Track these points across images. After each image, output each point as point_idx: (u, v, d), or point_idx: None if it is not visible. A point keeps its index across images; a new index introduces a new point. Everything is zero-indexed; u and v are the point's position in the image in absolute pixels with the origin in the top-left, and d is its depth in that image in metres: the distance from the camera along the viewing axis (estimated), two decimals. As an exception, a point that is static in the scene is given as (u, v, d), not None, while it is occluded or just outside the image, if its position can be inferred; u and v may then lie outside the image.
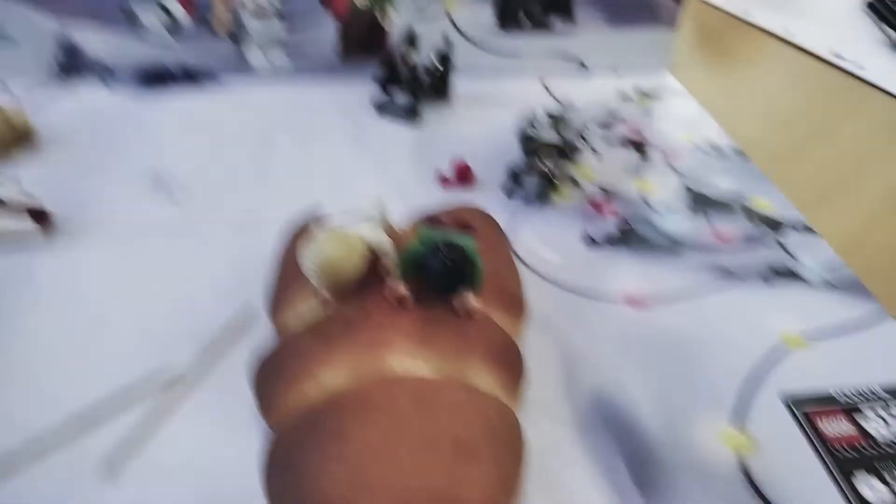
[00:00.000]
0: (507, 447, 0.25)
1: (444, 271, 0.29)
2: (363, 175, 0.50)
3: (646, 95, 0.63)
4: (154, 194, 0.46)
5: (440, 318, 0.29)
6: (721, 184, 0.50)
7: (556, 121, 0.50)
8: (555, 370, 0.34)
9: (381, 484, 0.23)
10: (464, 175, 0.49)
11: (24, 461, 0.29)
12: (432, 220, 0.34)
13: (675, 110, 0.61)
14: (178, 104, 0.57)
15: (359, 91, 0.60)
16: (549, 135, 0.48)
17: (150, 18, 0.57)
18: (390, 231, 0.33)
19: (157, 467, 0.29)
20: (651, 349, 0.36)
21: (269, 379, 0.29)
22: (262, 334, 0.35)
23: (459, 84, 0.59)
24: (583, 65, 0.65)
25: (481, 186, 0.49)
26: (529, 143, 0.48)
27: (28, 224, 0.40)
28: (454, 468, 0.23)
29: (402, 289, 0.30)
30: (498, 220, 0.40)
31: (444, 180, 0.49)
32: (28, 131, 0.49)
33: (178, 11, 0.57)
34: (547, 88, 0.63)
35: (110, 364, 0.34)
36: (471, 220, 0.35)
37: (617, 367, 0.35)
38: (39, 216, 0.41)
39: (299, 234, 0.38)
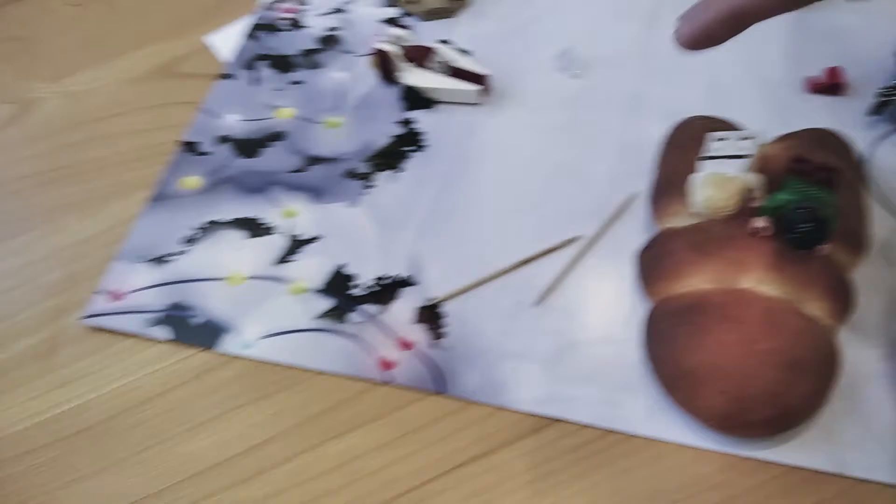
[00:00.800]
0: (828, 369, 0.37)
1: (802, 234, 0.39)
2: (735, 66, 0.56)
3: None
4: (559, 67, 0.58)
5: (789, 252, 0.40)
6: None
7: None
8: (878, 302, 0.43)
9: (731, 374, 0.36)
10: (835, 81, 0.53)
11: (482, 284, 0.47)
12: (800, 164, 0.42)
13: None
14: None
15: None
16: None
17: None
18: (761, 160, 0.43)
19: (568, 303, 0.46)
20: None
21: (650, 269, 0.43)
22: (643, 216, 0.48)
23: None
24: None
25: (851, 96, 0.53)
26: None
27: (474, 87, 0.55)
28: (789, 380, 0.35)
29: (763, 224, 0.40)
30: (858, 142, 0.46)
31: (810, 84, 0.54)
32: (466, -8, 0.63)
33: None
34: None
35: (529, 215, 0.50)
36: (834, 163, 0.42)
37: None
38: (481, 79, 0.56)
39: (681, 133, 0.49)
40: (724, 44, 0.33)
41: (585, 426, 0.41)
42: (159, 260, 0.49)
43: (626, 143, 0.53)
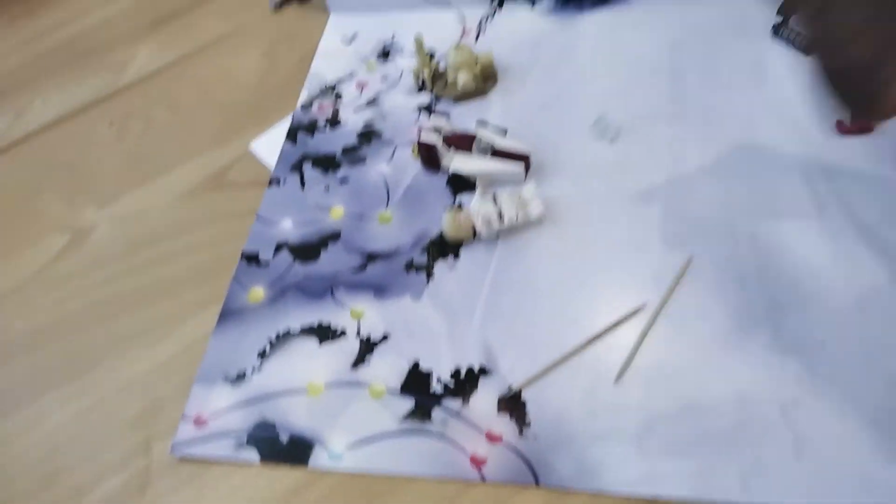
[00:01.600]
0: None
1: None
2: (765, 114, 0.58)
3: None
4: (593, 134, 0.59)
5: None
6: None
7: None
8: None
9: None
10: (863, 122, 0.54)
11: (557, 366, 0.47)
12: None
13: None
14: (588, 21, 0.68)
15: (755, 10, 0.65)
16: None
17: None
18: None
19: (647, 375, 0.46)
20: None
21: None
22: (704, 278, 0.49)
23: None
24: None
25: (880, 135, 0.54)
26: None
27: (519, 167, 0.57)
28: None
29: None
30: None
31: (840, 126, 0.55)
32: (495, 72, 0.64)
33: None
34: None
35: (588, 287, 0.51)
36: None
37: None
38: (523, 158, 0.57)
39: None
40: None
41: (684, 501, 0.41)
42: (238, 378, 0.50)
43: (672, 204, 0.54)
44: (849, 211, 0.51)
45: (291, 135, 0.65)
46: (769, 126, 0.57)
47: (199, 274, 0.57)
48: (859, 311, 0.46)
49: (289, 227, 0.58)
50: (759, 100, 0.59)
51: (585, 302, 0.50)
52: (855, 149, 0.54)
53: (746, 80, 0.60)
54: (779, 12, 0.62)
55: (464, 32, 0.70)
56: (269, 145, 0.65)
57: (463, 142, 0.58)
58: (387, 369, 0.49)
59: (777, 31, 0.62)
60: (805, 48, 0.60)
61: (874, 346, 0.45)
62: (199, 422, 0.48)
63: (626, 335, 0.48)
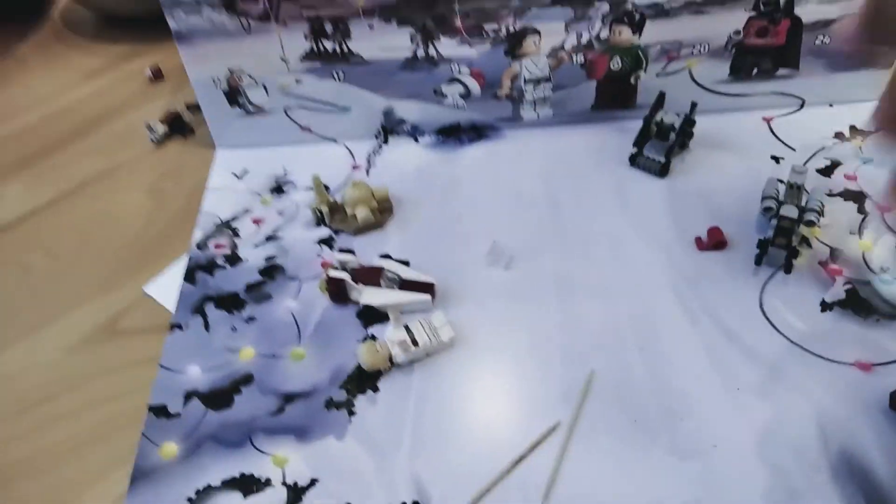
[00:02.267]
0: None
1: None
2: (635, 238, 0.65)
3: (859, 132, 0.73)
4: (490, 262, 0.64)
5: None
6: (930, 243, 0.62)
7: (794, 189, 0.63)
8: (808, 429, 0.51)
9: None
10: (717, 239, 0.63)
11: (486, 494, 0.49)
12: None
13: (887, 154, 0.71)
14: (469, 153, 0.74)
15: (611, 140, 0.74)
16: (789, 210, 0.61)
17: (452, 92, 0.73)
18: None
19: (571, 493, 0.49)
20: (881, 410, 0.51)
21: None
22: (607, 392, 0.54)
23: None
24: (802, 102, 0.76)
25: (733, 248, 0.63)
26: (771, 215, 0.62)
27: (426, 297, 0.60)
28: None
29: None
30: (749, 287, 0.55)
31: (699, 243, 0.64)
32: (391, 204, 0.68)
33: (473, 85, 0.72)
34: (770, 128, 0.74)
35: (505, 408, 0.54)
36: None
37: (854, 426, 0.51)
38: (429, 288, 0.61)
39: None
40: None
41: None
42: (159, 545, 0.47)
43: (567, 324, 0.59)
44: (716, 320, 0.58)
45: (189, 275, 0.64)
46: (638, 247, 0.64)
47: (101, 433, 0.54)
48: (737, 411, 0.53)
49: (196, 374, 0.57)
50: (626, 223, 0.67)
51: (504, 423, 0.53)
52: (713, 261, 0.63)
53: (612, 206, 0.68)
54: (634, 144, 0.71)
55: (355, 167, 0.74)
56: (166, 288, 0.63)
57: (370, 275, 0.60)
58: (319, 516, 0.49)
59: (633, 161, 0.72)
60: (659, 172, 0.70)
61: (755, 442, 0.51)
62: None
63: (547, 454, 0.51)
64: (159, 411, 0.54)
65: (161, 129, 0.78)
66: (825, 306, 0.58)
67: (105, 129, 0.80)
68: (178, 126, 0.79)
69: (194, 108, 0.79)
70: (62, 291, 0.63)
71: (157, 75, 0.88)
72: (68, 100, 0.86)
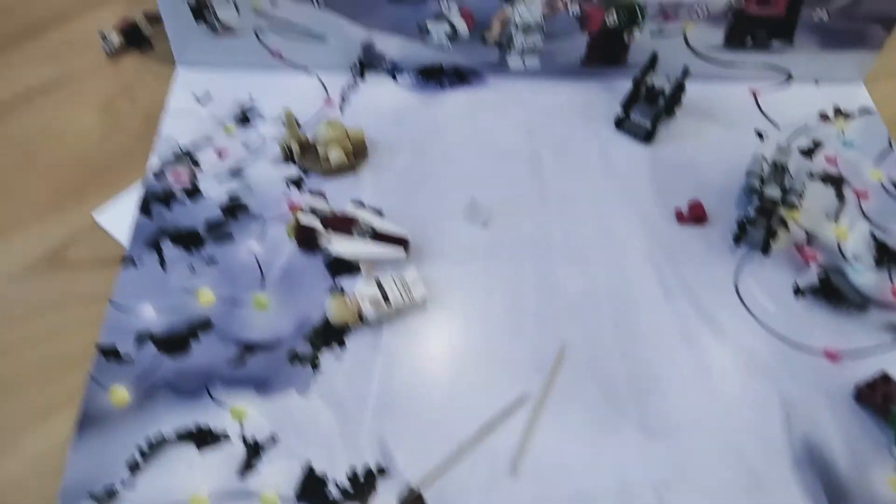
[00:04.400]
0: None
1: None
2: (616, 205, 0.64)
3: (843, 115, 0.72)
4: (467, 218, 0.61)
5: None
6: (902, 234, 0.62)
7: (778, 170, 0.62)
8: (773, 415, 0.51)
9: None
10: (697, 214, 0.62)
11: (453, 462, 0.48)
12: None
13: (867, 138, 0.70)
14: (450, 99, 0.71)
15: (598, 98, 0.71)
16: (772, 190, 0.60)
17: (438, 30, 0.68)
18: None
19: (539, 466, 0.49)
20: (844, 400, 0.52)
21: None
22: (579, 363, 0.53)
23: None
24: (788, 75, 0.74)
25: (713, 224, 0.62)
26: (754, 195, 0.61)
27: (399, 251, 0.57)
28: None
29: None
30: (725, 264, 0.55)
31: (679, 216, 0.63)
32: (365, 147, 0.64)
33: (461, 25, 0.68)
34: (756, 101, 0.73)
35: (475, 374, 0.52)
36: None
37: (818, 415, 0.51)
38: (402, 242, 0.58)
39: None
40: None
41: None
42: (107, 496, 0.45)
43: (542, 289, 0.57)
44: (691, 297, 0.58)
45: (144, 206, 0.59)
46: (619, 215, 0.63)
47: (43, 372, 0.50)
48: (706, 393, 0.53)
49: (150, 315, 0.53)
50: (608, 189, 0.65)
51: (474, 390, 0.52)
52: (692, 236, 0.62)
53: (596, 168, 0.66)
54: (622, 105, 0.69)
55: (328, 101, 0.69)
56: (117, 217, 0.59)
57: (342, 224, 0.57)
58: (278, 475, 0.47)
59: (619, 124, 0.69)
60: (644, 138, 0.68)
61: (720, 426, 0.51)
62: (62, 555, 0.43)
63: (516, 425, 0.50)
64: (109, 353, 0.51)
65: (116, 39, 0.71)
66: (798, 291, 0.58)
67: (54, 32, 0.72)
68: (135, 38, 0.72)
69: (154, 19, 0.72)
70: (2, 213, 0.58)
71: (113, -24, 0.79)
72: (12, -7, 0.77)
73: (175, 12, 0.66)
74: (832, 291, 0.58)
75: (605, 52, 0.72)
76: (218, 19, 0.67)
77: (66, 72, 0.69)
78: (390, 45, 0.70)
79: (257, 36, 0.69)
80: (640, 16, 0.69)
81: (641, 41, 0.70)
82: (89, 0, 0.76)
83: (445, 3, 0.66)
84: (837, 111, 0.72)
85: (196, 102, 0.68)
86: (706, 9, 0.68)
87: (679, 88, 0.68)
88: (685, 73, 0.67)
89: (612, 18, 0.68)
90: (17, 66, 0.69)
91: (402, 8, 0.67)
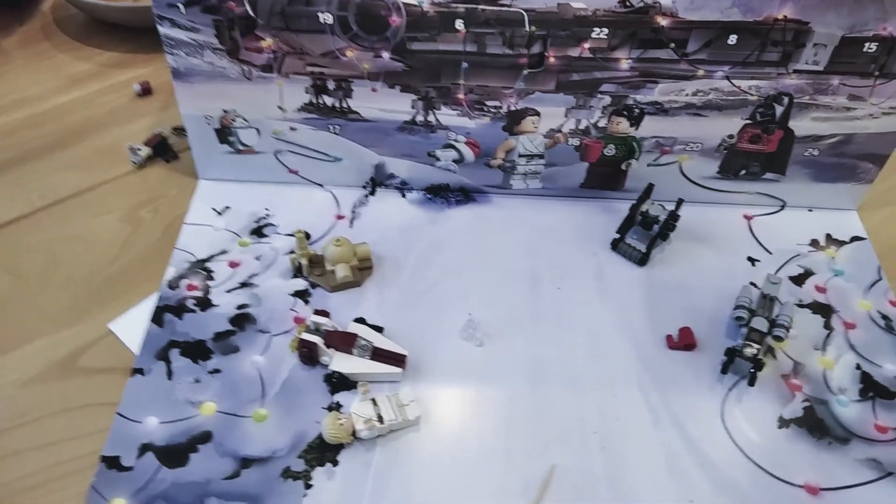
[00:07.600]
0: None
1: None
2: (609, 328, 0.66)
3: (834, 242, 0.75)
4: (464, 337, 0.64)
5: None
6: (890, 367, 0.64)
7: (767, 301, 0.64)
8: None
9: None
10: (687, 341, 0.64)
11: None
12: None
13: (857, 267, 0.73)
14: (455, 215, 0.74)
15: (596, 219, 0.75)
16: (760, 324, 0.62)
17: (446, 156, 0.73)
18: None
19: None
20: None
21: None
22: (567, 485, 0.54)
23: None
24: (782, 204, 0.78)
25: (702, 350, 0.64)
26: (742, 324, 0.63)
27: (396, 369, 0.59)
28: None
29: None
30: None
31: (670, 341, 0.65)
32: (371, 262, 0.68)
33: (467, 152, 0.73)
34: (750, 227, 0.76)
35: (467, 496, 0.54)
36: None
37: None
38: (400, 359, 0.60)
39: None
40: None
41: None
42: None
43: (533, 412, 0.59)
44: (678, 426, 0.59)
45: (157, 316, 0.62)
46: (611, 338, 0.65)
47: (50, 476, 0.52)
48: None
49: (154, 425, 0.55)
50: (602, 311, 0.67)
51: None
52: (682, 363, 0.63)
53: (591, 290, 0.69)
54: (618, 231, 0.72)
55: (339, 216, 0.73)
56: (131, 327, 0.62)
57: (343, 340, 0.60)
58: None
59: (615, 245, 0.72)
60: (639, 261, 0.71)
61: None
62: None
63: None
64: (112, 463, 0.53)
65: (144, 151, 0.76)
66: (783, 422, 0.59)
67: (86, 142, 0.78)
68: (162, 149, 0.78)
69: (180, 131, 0.78)
70: (23, 317, 0.61)
71: (146, 91, 0.86)
72: (51, 104, 0.83)
73: (200, 134, 0.71)
74: (816, 423, 0.59)
75: (604, 178, 0.76)
76: (240, 141, 0.72)
77: (95, 181, 0.74)
78: (401, 167, 0.75)
79: (276, 156, 0.74)
80: (637, 150, 0.73)
81: (639, 170, 0.74)
82: (122, 112, 0.82)
83: (453, 133, 0.71)
84: (829, 238, 0.75)
85: (214, 214, 0.72)
86: (700, 145, 0.72)
87: (673, 217, 0.71)
88: (679, 204, 0.71)
89: (610, 150, 0.72)
90: (50, 174, 0.74)
91: (412, 137, 0.72)
